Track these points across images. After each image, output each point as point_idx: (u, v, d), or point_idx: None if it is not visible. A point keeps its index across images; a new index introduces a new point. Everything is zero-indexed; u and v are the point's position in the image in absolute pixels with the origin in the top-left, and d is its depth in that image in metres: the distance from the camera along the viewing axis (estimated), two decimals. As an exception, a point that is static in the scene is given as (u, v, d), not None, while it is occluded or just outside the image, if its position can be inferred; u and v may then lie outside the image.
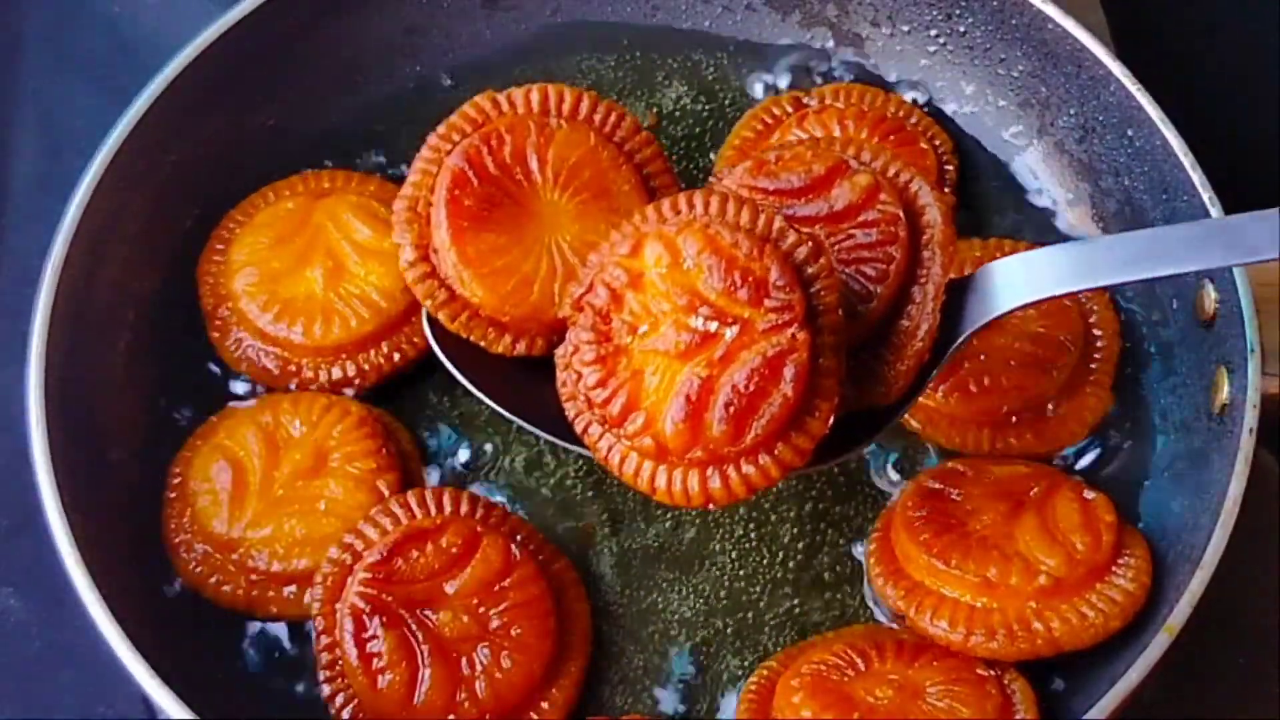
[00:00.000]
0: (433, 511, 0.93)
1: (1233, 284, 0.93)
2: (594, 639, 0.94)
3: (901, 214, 0.86)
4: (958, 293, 0.87)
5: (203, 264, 1.04)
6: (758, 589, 0.96)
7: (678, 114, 1.14)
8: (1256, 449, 0.89)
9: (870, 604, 0.96)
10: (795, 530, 0.98)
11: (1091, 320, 1.03)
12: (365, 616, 0.88)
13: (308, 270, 1.01)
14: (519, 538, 0.93)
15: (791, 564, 0.97)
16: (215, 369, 1.02)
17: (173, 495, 0.96)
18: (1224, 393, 0.93)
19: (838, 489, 0.99)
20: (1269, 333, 0.92)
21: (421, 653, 0.87)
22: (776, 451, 0.80)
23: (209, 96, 1.05)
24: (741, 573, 0.97)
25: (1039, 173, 1.11)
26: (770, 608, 0.96)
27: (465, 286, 0.89)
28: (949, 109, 1.14)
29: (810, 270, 0.81)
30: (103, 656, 0.85)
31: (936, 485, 0.95)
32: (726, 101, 1.14)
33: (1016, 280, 0.86)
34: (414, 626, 0.88)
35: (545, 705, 0.90)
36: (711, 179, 0.90)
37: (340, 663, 0.89)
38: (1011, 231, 1.09)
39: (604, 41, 1.16)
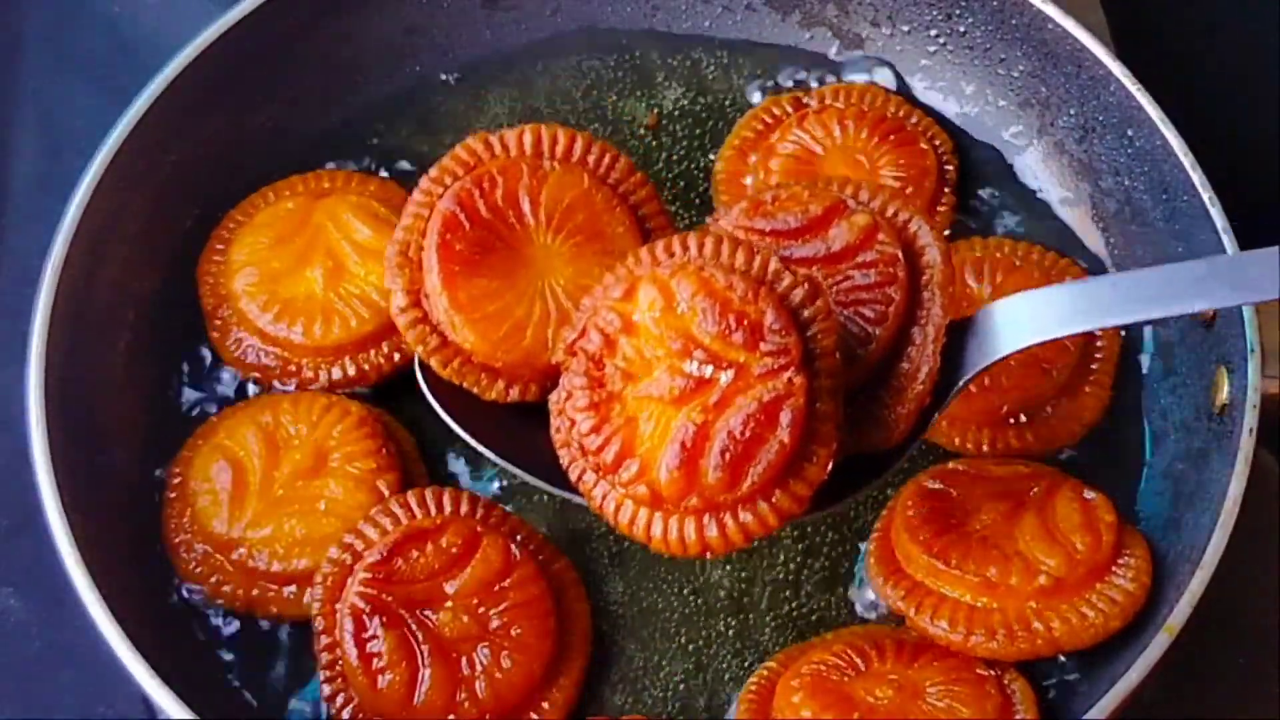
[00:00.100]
0: (433, 511, 0.93)
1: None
2: (594, 639, 0.94)
3: (900, 254, 0.84)
4: (958, 334, 0.86)
5: (203, 264, 1.04)
6: (757, 589, 0.96)
7: (678, 114, 1.14)
8: (1256, 449, 0.89)
9: (869, 604, 0.96)
10: (795, 531, 0.98)
11: (1091, 320, 1.03)
12: (365, 616, 0.88)
13: (308, 270, 1.01)
14: (519, 538, 0.93)
15: (791, 564, 0.97)
16: (215, 369, 1.02)
17: (173, 495, 0.96)
18: (1224, 393, 0.93)
19: (838, 489, 0.99)
20: (1269, 333, 0.92)
21: (421, 653, 0.87)
22: (774, 499, 0.78)
23: (209, 96, 1.05)
24: (741, 573, 0.97)
25: (1039, 173, 1.11)
26: (770, 608, 0.96)
27: (457, 332, 0.87)
28: (949, 109, 1.14)
29: (806, 313, 0.79)
30: (103, 656, 0.85)
31: (936, 485, 0.95)
32: (726, 102, 1.14)
33: (1018, 321, 0.85)
34: (414, 626, 0.88)
35: (545, 705, 0.90)
36: (708, 220, 0.89)
37: (340, 663, 0.89)
38: (1012, 232, 1.09)
39: (604, 42, 1.16)
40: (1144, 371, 1.02)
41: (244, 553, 0.93)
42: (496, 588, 0.90)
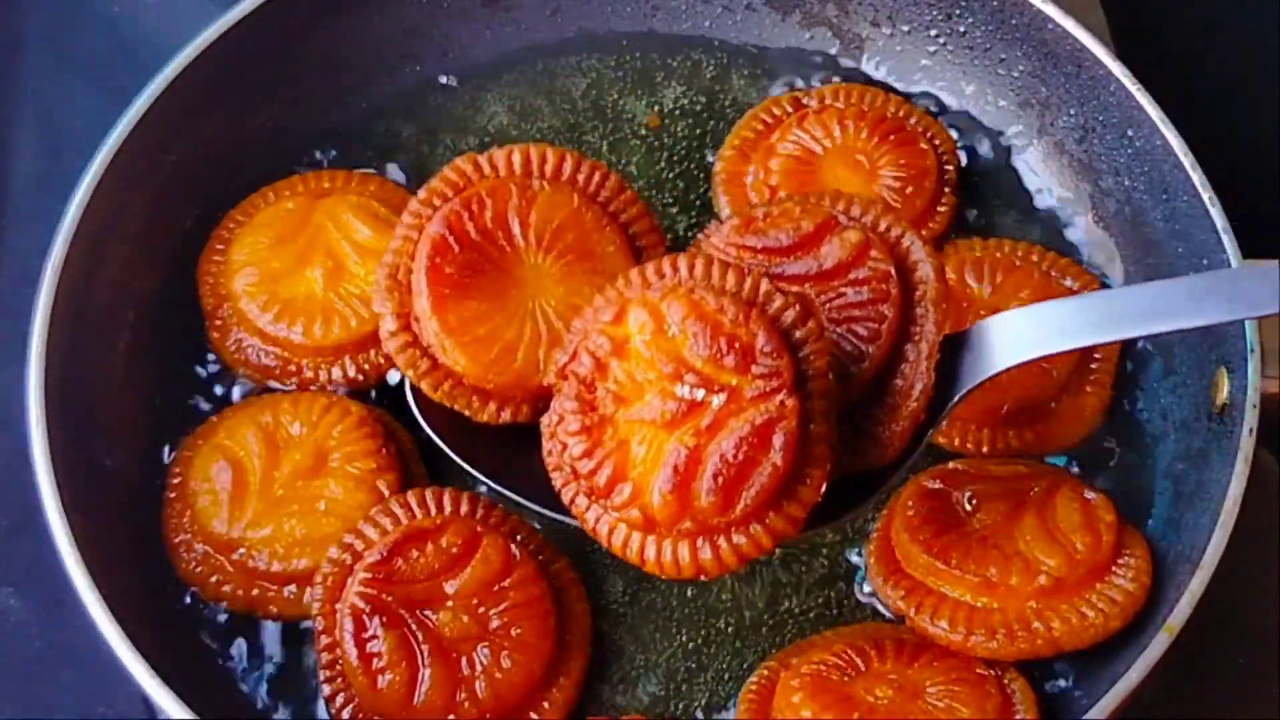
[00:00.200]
0: (433, 511, 0.93)
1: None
2: (594, 639, 0.94)
3: (893, 271, 0.84)
4: (953, 349, 0.85)
5: (203, 264, 1.04)
6: (757, 589, 0.96)
7: (678, 114, 1.14)
8: (1256, 449, 0.89)
9: (869, 604, 0.96)
10: (795, 530, 0.98)
11: (1091, 320, 1.03)
12: (365, 616, 0.88)
13: (308, 270, 1.01)
14: (519, 538, 0.93)
15: (791, 564, 0.97)
16: (215, 369, 1.02)
17: (173, 495, 0.96)
18: (1224, 393, 0.93)
19: (838, 489, 0.99)
20: (1269, 333, 0.92)
21: (421, 653, 0.87)
22: (768, 521, 0.78)
23: (209, 96, 1.05)
24: (741, 573, 0.97)
25: (1039, 173, 1.11)
26: (770, 608, 0.96)
27: (448, 355, 0.86)
28: (949, 109, 1.14)
29: (798, 334, 0.79)
30: (103, 656, 0.85)
31: (936, 485, 0.95)
32: (726, 102, 1.14)
33: (1013, 337, 0.84)
34: (414, 626, 0.88)
35: (545, 705, 0.90)
36: (699, 236, 0.89)
37: (340, 663, 0.89)
38: (1011, 232, 1.09)
39: (604, 42, 1.16)
40: (1144, 371, 1.02)
41: (244, 553, 0.93)
42: (496, 588, 0.90)
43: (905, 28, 1.14)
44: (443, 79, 1.15)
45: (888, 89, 1.13)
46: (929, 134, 1.10)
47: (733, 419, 0.77)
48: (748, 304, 0.79)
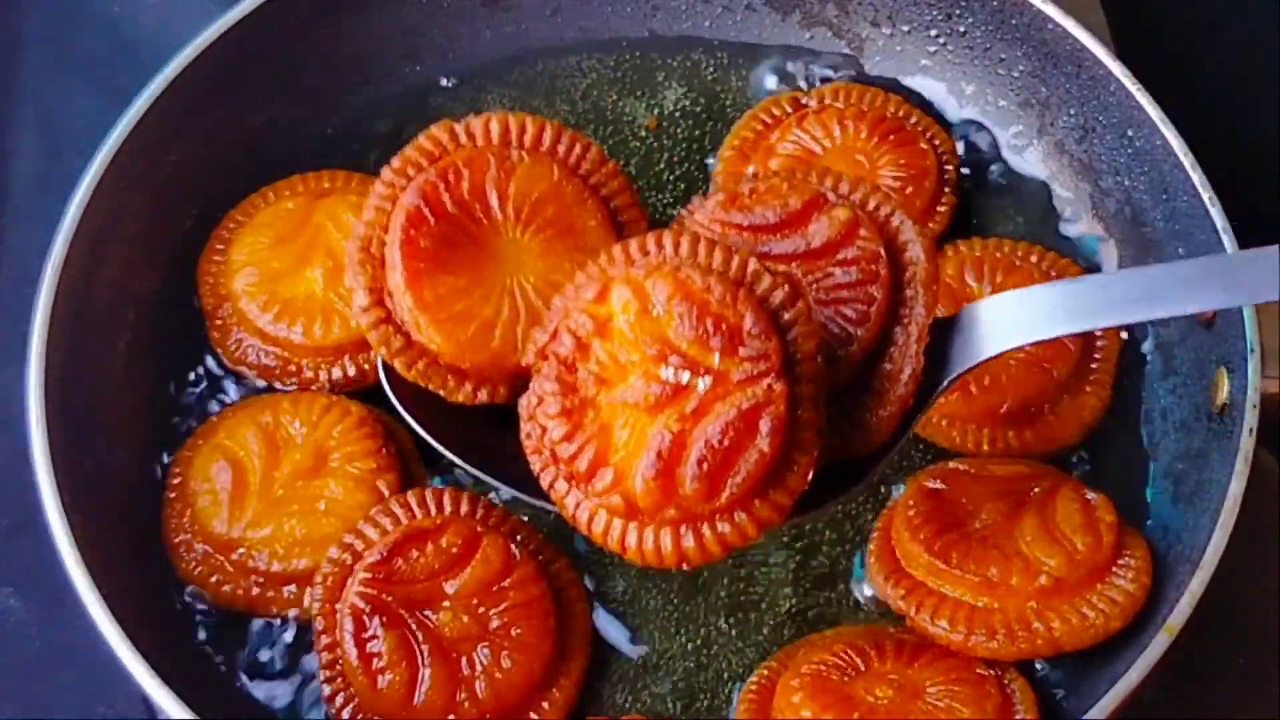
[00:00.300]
0: (433, 511, 0.93)
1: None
2: (594, 639, 0.94)
3: (882, 251, 0.82)
4: (942, 333, 0.83)
5: (203, 264, 1.04)
6: (758, 588, 0.96)
7: (678, 114, 1.14)
8: (1256, 449, 0.89)
9: (869, 604, 0.96)
10: (794, 530, 0.98)
11: (1091, 320, 1.03)
12: (365, 616, 0.88)
13: (308, 270, 1.01)
14: (519, 538, 0.93)
15: (791, 563, 0.97)
16: (215, 369, 1.02)
17: (173, 495, 0.96)
18: (1224, 393, 0.93)
19: (838, 489, 0.99)
20: (1269, 333, 0.92)
21: (421, 653, 0.87)
22: (754, 509, 0.76)
23: (209, 96, 1.05)
24: (741, 572, 0.97)
25: (1039, 173, 1.11)
26: (770, 606, 0.96)
27: (422, 332, 0.83)
28: (949, 109, 1.14)
29: (787, 316, 0.76)
30: (103, 656, 0.85)
31: (936, 485, 0.95)
32: (727, 102, 1.14)
33: (1005, 321, 0.82)
34: (414, 626, 0.88)
35: (545, 705, 0.90)
36: (682, 212, 0.86)
37: (340, 663, 0.89)
38: (1011, 232, 1.09)
39: (603, 42, 1.17)
40: (1144, 371, 1.02)
41: (244, 553, 0.93)
42: (496, 588, 0.90)
43: (905, 28, 1.14)
44: (443, 79, 1.15)
45: (888, 89, 1.13)
46: (929, 134, 1.10)
47: (719, 403, 0.75)
48: (735, 283, 0.76)
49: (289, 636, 0.94)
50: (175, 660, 0.86)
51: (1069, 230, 1.09)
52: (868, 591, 0.96)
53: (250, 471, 0.95)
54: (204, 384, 1.02)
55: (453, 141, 0.87)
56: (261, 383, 1.01)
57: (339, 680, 0.89)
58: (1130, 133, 1.03)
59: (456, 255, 0.84)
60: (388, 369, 0.85)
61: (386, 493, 0.94)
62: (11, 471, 0.93)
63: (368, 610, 0.88)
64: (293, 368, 1.00)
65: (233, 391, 1.01)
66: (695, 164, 1.12)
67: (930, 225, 1.06)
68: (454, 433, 0.86)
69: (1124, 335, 1.03)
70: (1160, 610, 0.88)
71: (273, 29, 1.07)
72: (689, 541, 0.77)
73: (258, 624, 0.94)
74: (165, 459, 0.98)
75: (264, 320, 1.00)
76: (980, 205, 1.10)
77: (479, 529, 0.91)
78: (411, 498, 0.93)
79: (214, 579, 0.94)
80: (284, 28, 1.08)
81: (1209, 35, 1.35)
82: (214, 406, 1.01)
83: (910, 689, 0.87)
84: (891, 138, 1.08)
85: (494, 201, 0.85)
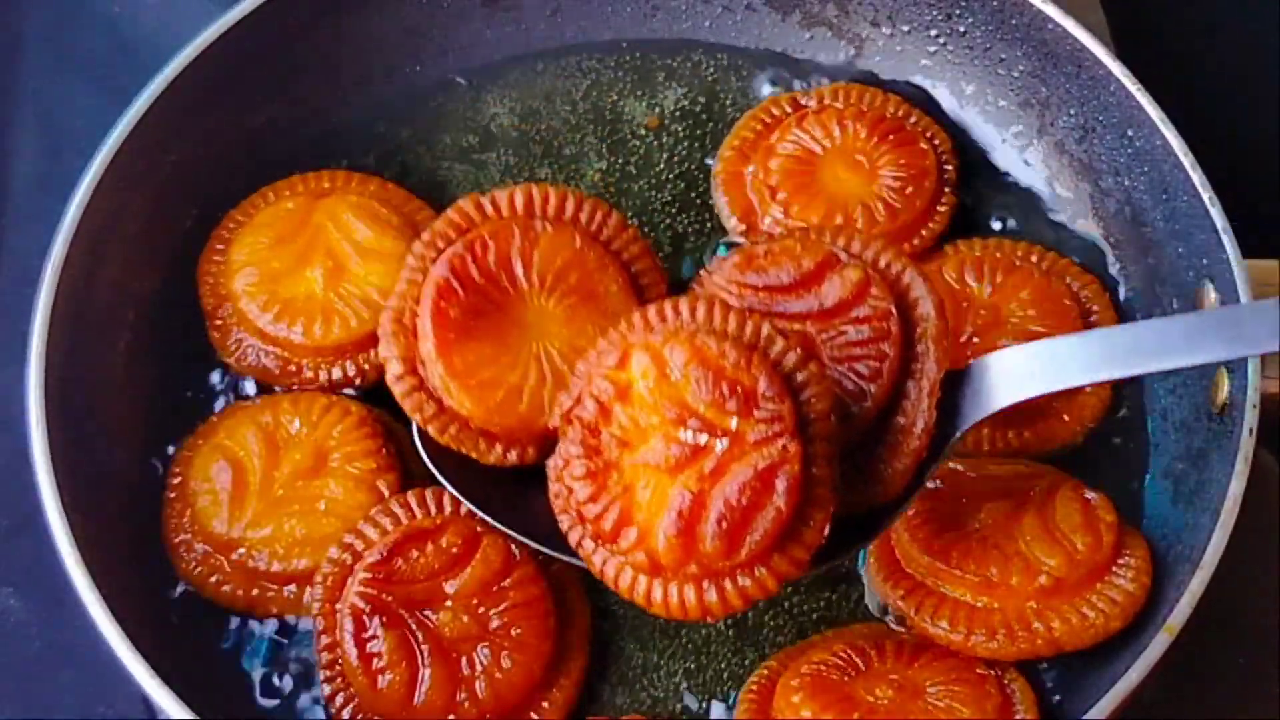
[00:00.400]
0: (433, 511, 0.93)
1: (1233, 284, 0.93)
2: (594, 639, 0.94)
3: (893, 309, 0.84)
4: (953, 386, 0.85)
5: (203, 264, 1.04)
6: (758, 589, 0.96)
7: (678, 115, 1.14)
8: (1256, 449, 0.89)
9: (869, 604, 0.96)
10: (795, 530, 0.98)
11: (1092, 320, 1.03)
12: (365, 616, 0.88)
13: (308, 270, 1.01)
14: (519, 538, 0.93)
15: (791, 564, 0.97)
16: (215, 369, 1.02)
17: (173, 495, 0.96)
18: (1224, 393, 0.93)
19: (838, 489, 0.99)
20: (1269, 333, 0.92)
21: (421, 653, 0.87)
22: (772, 563, 0.78)
23: (209, 96, 1.05)
24: (741, 573, 0.97)
25: (1039, 173, 1.11)
26: (770, 607, 0.96)
27: (454, 398, 0.86)
28: (949, 109, 1.14)
29: (800, 377, 0.79)
30: (103, 656, 0.85)
31: (936, 485, 0.95)
32: (727, 102, 1.14)
33: (1015, 374, 0.84)
34: (414, 626, 0.88)
35: (545, 705, 0.90)
36: (701, 273, 0.89)
37: (340, 663, 0.89)
38: (1012, 232, 1.09)
39: (604, 42, 1.16)
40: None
41: (244, 553, 0.93)
42: (496, 588, 0.90)
43: (905, 28, 1.14)
44: (443, 79, 1.15)
45: (887, 89, 1.13)
46: (928, 134, 1.10)
47: (736, 463, 0.77)
48: (749, 348, 0.79)
49: (289, 637, 0.94)
50: (175, 660, 0.86)
51: (1068, 230, 1.09)
52: (868, 593, 0.96)
53: (250, 471, 0.95)
54: (204, 384, 1.02)
55: (479, 213, 0.89)
56: (262, 382, 1.01)
57: (339, 680, 0.89)
58: (1130, 133, 1.03)
59: (484, 323, 0.87)
60: (422, 434, 0.88)
61: (386, 493, 0.94)
62: (11, 471, 0.93)
63: (368, 610, 0.88)
64: (293, 368, 1.00)
65: (233, 391, 1.01)
66: (695, 164, 1.12)
67: (930, 225, 1.06)
68: (488, 493, 0.89)
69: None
70: (1160, 610, 0.88)
71: (273, 29, 1.07)
72: (711, 596, 0.79)
73: (257, 624, 0.94)
74: (165, 459, 0.98)
75: (264, 320, 1.00)
76: (980, 205, 1.10)
77: (479, 529, 0.91)
78: (411, 498, 0.93)
79: (214, 579, 0.94)
80: (284, 28, 1.08)
81: (1209, 35, 1.35)
82: (214, 406, 1.01)
83: (910, 689, 0.87)
84: (891, 138, 1.08)
85: (519, 271, 0.88)
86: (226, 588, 0.94)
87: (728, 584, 0.79)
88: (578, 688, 0.92)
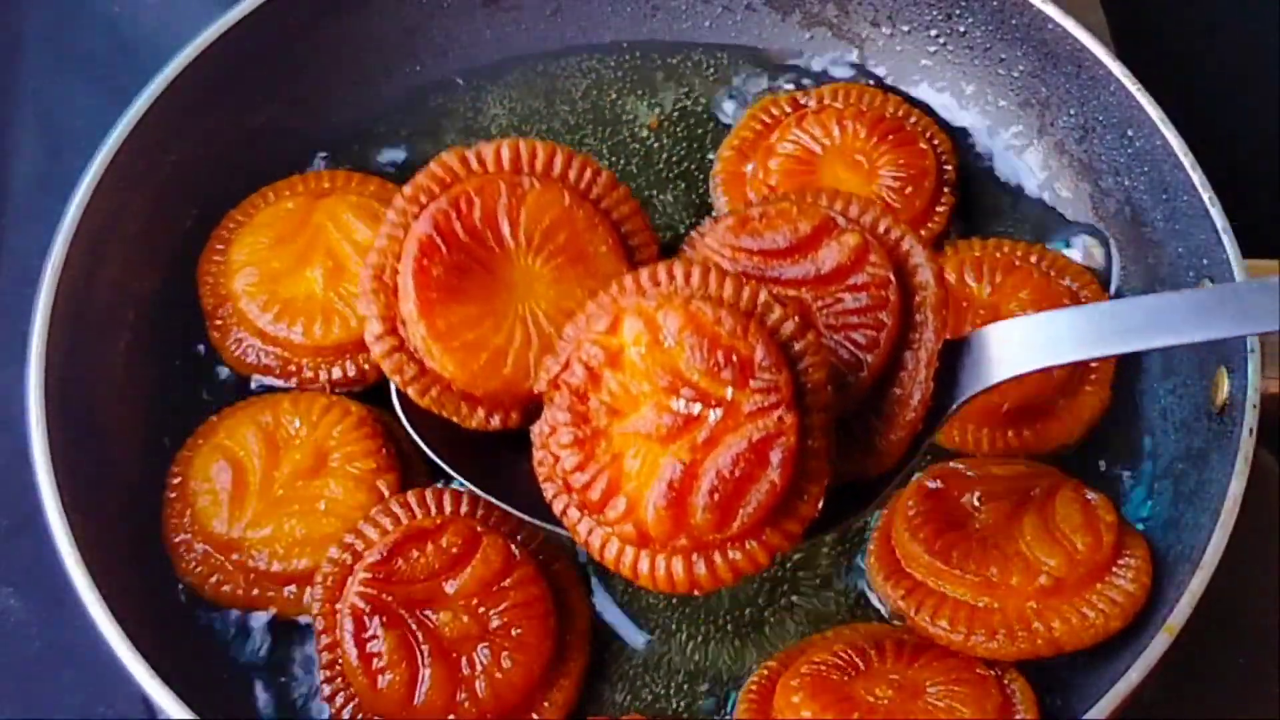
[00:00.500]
0: (433, 511, 0.93)
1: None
2: (594, 639, 0.94)
3: (892, 277, 0.81)
4: (951, 356, 0.83)
5: (203, 264, 1.04)
6: (758, 588, 0.96)
7: (677, 115, 1.14)
8: (1256, 449, 0.89)
9: (870, 604, 0.96)
10: (795, 530, 0.98)
11: (1091, 320, 1.03)
12: (365, 616, 0.88)
13: (308, 270, 1.01)
14: (519, 538, 0.93)
15: (791, 564, 0.97)
16: (215, 369, 1.02)
17: (173, 495, 0.96)
18: (1224, 393, 0.93)
19: (838, 489, 0.99)
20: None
21: (421, 653, 0.87)
22: (764, 537, 0.76)
23: (209, 96, 1.05)
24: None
25: (1039, 173, 1.11)
26: (770, 607, 0.96)
27: (436, 360, 0.83)
28: (949, 109, 1.14)
29: (797, 347, 0.77)
30: (103, 656, 0.85)
31: (936, 485, 0.95)
32: (727, 102, 1.14)
33: (1014, 347, 0.82)
34: (414, 626, 0.88)
35: (545, 705, 0.90)
36: (692, 234, 0.86)
37: (340, 663, 0.89)
38: (1012, 232, 1.09)
39: (604, 42, 1.17)
40: (1144, 371, 1.02)
41: (244, 553, 0.93)
42: (496, 588, 0.90)
43: (905, 28, 1.14)
44: (443, 78, 1.15)
45: (887, 89, 1.13)
46: (928, 134, 1.10)
47: (730, 434, 0.75)
48: (746, 315, 0.77)
49: (289, 636, 0.94)
50: (175, 660, 0.86)
51: (1069, 230, 1.09)
52: (868, 591, 0.96)
53: (250, 471, 0.95)
54: (204, 384, 1.02)
55: (464, 168, 0.86)
56: (262, 382, 1.01)
57: (339, 680, 0.89)
58: (1130, 133, 1.03)
59: (468, 283, 0.84)
60: (401, 396, 0.86)
61: (386, 493, 0.94)
62: (11, 471, 0.93)
63: (368, 610, 0.88)
64: (293, 368, 1.00)
65: (233, 391, 1.01)
66: (695, 163, 1.12)
67: (930, 225, 1.06)
68: (468, 457, 0.87)
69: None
70: (1160, 610, 0.88)
71: (273, 29, 1.07)
72: (701, 569, 0.77)
73: (258, 624, 0.94)
74: (165, 459, 0.98)
75: (264, 320, 1.00)
76: (980, 205, 1.10)
77: (479, 529, 0.91)
78: (411, 498, 0.93)
79: (214, 579, 0.94)
80: (284, 28, 1.08)
81: (1209, 35, 1.35)
82: (214, 407, 1.01)
83: (910, 689, 0.87)
84: (891, 138, 1.08)
85: (505, 229, 0.85)
86: (226, 588, 0.94)
87: (717, 557, 0.77)
88: (578, 688, 0.92)
